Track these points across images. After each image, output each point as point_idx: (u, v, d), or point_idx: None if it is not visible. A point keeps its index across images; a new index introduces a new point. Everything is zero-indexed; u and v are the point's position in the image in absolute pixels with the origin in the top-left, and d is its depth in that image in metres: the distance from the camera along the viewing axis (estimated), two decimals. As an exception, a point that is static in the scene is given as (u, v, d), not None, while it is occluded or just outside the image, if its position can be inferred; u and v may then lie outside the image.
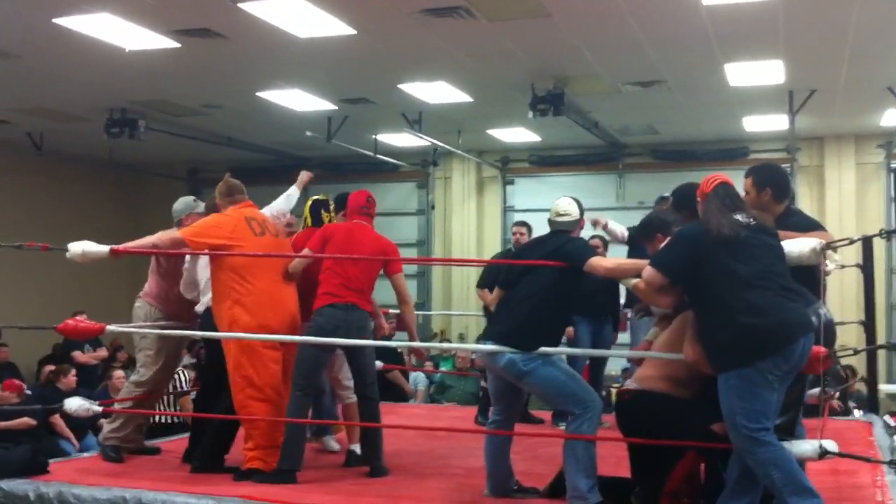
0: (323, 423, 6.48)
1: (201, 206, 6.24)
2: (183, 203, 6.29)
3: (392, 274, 6.02)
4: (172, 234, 5.66)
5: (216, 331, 5.61)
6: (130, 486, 5.16)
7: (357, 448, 6.03)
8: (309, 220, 6.44)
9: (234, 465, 5.71)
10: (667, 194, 7.22)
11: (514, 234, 8.25)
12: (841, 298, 12.92)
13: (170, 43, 9.79)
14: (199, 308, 6.01)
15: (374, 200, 6.22)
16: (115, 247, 5.51)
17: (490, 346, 4.95)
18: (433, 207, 17.24)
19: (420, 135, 13.79)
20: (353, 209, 6.11)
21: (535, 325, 4.93)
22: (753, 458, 4.23)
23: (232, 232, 5.66)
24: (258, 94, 12.19)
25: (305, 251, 5.92)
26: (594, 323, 7.69)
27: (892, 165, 15.05)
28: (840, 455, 4.58)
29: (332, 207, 6.49)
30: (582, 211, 5.30)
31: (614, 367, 12.68)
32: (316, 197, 6.61)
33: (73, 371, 10.18)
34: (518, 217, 16.01)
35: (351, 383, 6.11)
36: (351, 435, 6.12)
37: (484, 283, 8.35)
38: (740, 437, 4.23)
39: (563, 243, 5.05)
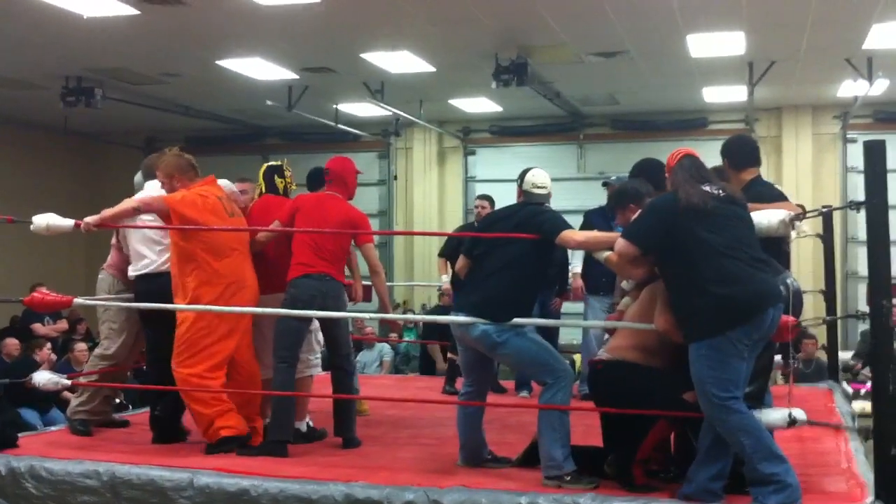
0: (304, 395, 6.26)
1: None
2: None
3: (361, 244, 6.02)
4: (159, 198, 5.57)
5: (153, 300, 5.55)
6: (103, 459, 5.12)
7: (303, 425, 5.96)
8: (263, 187, 6.29)
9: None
10: (613, 177, 7.32)
11: (476, 207, 8.26)
12: (798, 268, 13.12)
13: (129, 10, 9.61)
14: (131, 274, 5.88)
15: (356, 174, 6.13)
16: (89, 220, 5.41)
17: (463, 318, 4.96)
18: (395, 178, 17.19)
19: (382, 105, 13.72)
20: (335, 177, 5.99)
21: (508, 296, 4.94)
22: (723, 425, 4.29)
23: (211, 211, 5.60)
24: (218, 62, 12.02)
25: (275, 224, 5.87)
26: (543, 295, 7.58)
27: (848, 136, 15.27)
28: (810, 423, 4.67)
29: (287, 174, 6.33)
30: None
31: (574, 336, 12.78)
32: (270, 163, 6.42)
33: (48, 345, 10.09)
34: (479, 187, 16.09)
35: (310, 356, 6.05)
36: (300, 411, 5.99)
37: (445, 252, 8.40)
38: (710, 405, 4.29)
39: (535, 214, 5.05)
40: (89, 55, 11.62)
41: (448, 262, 8.25)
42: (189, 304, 5.47)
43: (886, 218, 4.24)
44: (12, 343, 10.34)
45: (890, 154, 13.84)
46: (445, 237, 8.91)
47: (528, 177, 5.26)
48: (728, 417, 4.27)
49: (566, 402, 4.90)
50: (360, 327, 12.91)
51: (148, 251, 5.78)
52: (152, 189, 5.87)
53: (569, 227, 4.99)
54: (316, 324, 6.02)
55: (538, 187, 5.23)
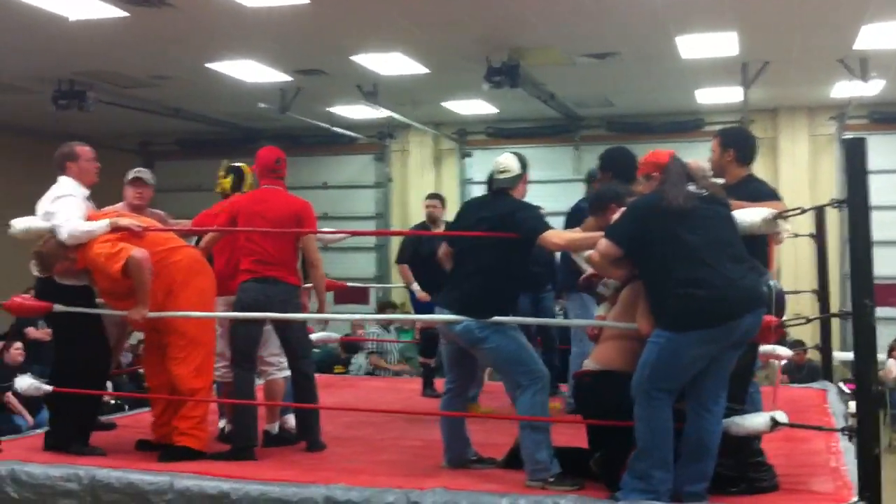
0: (262, 404, 6.09)
1: (128, 174, 6.07)
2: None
3: (303, 235, 5.78)
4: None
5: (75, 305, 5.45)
6: (84, 464, 5.08)
7: (273, 429, 5.90)
8: (227, 186, 6.21)
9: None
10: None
11: (427, 207, 8.22)
12: (796, 268, 13.12)
13: (117, 12, 9.56)
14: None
15: (285, 160, 5.87)
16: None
17: (447, 316, 4.92)
18: (390, 180, 17.16)
19: (376, 106, 13.68)
20: (264, 171, 5.79)
21: (489, 293, 4.92)
22: (638, 410, 4.30)
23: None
24: (208, 64, 11.97)
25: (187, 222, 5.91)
26: (535, 294, 7.43)
27: (844, 137, 15.22)
28: (791, 425, 4.63)
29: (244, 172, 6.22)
30: (524, 165, 5.16)
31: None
32: (235, 164, 6.34)
33: (18, 345, 10.01)
34: (476, 189, 16.06)
35: (275, 359, 5.96)
36: (269, 414, 5.93)
37: (403, 258, 8.32)
38: (637, 387, 4.30)
39: (514, 211, 4.96)
40: (79, 58, 11.59)
41: (408, 268, 8.17)
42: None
43: (867, 216, 4.21)
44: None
45: (886, 154, 13.83)
46: (400, 244, 8.65)
47: (493, 164, 5.17)
48: (646, 405, 4.28)
49: (545, 403, 4.89)
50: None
51: None
52: (68, 188, 5.64)
53: (549, 227, 4.93)
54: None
55: (501, 172, 5.12)
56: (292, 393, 5.89)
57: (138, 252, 5.25)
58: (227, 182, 6.24)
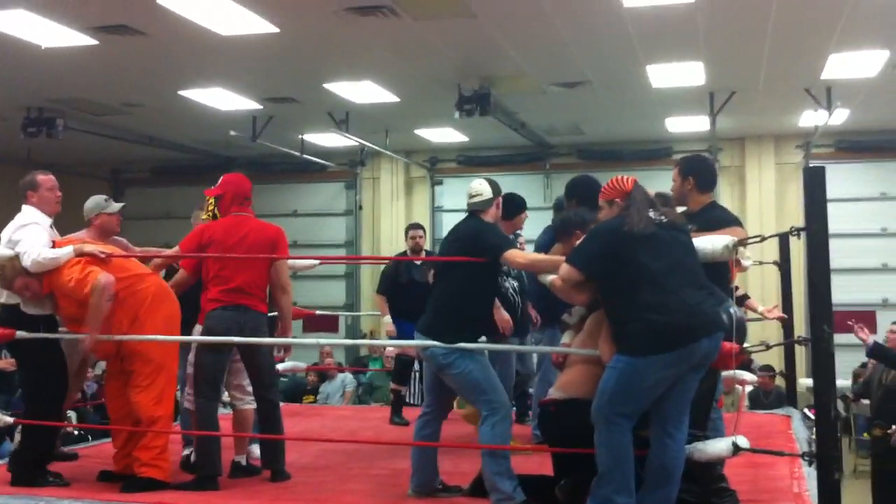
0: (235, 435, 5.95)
1: (114, 206, 6.04)
2: (93, 202, 6.07)
3: (276, 261, 5.69)
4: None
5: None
6: (45, 495, 5.02)
7: (242, 459, 5.82)
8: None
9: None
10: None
11: (413, 237, 8.26)
12: (762, 295, 13.20)
13: (88, 40, 9.59)
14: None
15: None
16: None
17: (412, 342, 4.95)
18: (361, 208, 17.18)
19: (347, 135, 13.73)
20: (236, 198, 5.75)
21: (454, 317, 4.95)
22: (598, 436, 4.31)
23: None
24: (180, 92, 11.99)
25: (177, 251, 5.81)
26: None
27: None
28: (753, 451, 4.66)
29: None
30: (497, 191, 5.22)
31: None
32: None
33: None
34: (447, 217, 16.11)
35: (248, 388, 5.86)
36: (238, 445, 5.85)
37: (382, 289, 8.32)
38: (597, 413, 4.31)
39: (477, 234, 5.02)
40: (50, 86, 11.58)
41: (385, 300, 8.16)
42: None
43: (826, 243, 4.27)
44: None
45: (851, 182, 14.01)
46: (380, 274, 8.63)
47: (467, 189, 5.24)
48: (605, 430, 4.29)
49: (506, 432, 4.89)
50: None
51: None
52: (32, 216, 5.59)
53: (512, 246, 4.97)
54: None
55: (472, 196, 5.19)
56: (258, 422, 5.84)
57: (104, 277, 5.24)
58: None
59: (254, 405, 5.88)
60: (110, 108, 12.92)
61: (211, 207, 6.07)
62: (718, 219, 4.98)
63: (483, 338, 5.18)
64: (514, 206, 6.38)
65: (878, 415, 7.20)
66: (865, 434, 9.80)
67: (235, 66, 10.88)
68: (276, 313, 5.86)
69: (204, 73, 11.18)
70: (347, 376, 12.34)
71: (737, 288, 6.45)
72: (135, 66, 10.73)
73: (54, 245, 5.51)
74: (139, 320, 5.44)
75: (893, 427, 6.80)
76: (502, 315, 6.32)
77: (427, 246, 16.62)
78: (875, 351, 7.03)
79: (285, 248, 5.78)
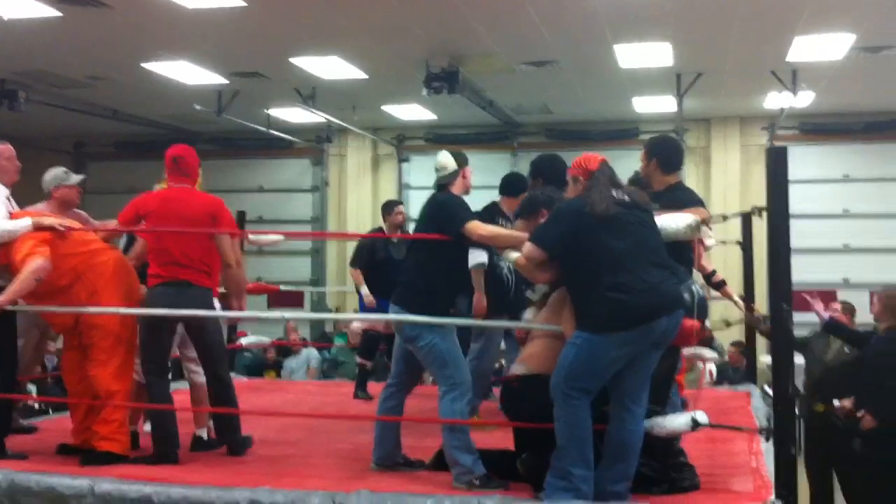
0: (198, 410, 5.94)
1: (74, 178, 5.96)
2: (52, 174, 5.99)
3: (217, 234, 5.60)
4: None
5: None
6: (3, 468, 4.96)
7: (203, 433, 5.83)
8: None
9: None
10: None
11: (398, 213, 8.24)
12: (726, 274, 13.29)
13: (50, 11, 9.44)
14: None
15: (187, 158, 5.65)
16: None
17: (379, 315, 4.97)
18: (327, 184, 17.09)
19: (314, 110, 13.64)
20: (167, 170, 5.65)
21: (422, 289, 4.99)
22: (556, 410, 4.35)
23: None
24: (144, 65, 11.83)
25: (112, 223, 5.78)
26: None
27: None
28: (712, 426, 4.72)
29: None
30: (462, 161, 5.20)
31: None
32: None
33: None
34: (414, 195, 16.08)
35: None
36: (198, 418, 5.85)
37: (357, 262, 8.32)
38: (556, 387, 4.35)
39: (440, 208, 5.06)
40: (12, 57, 11.37)
41: (359, 273, 8.17)
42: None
43: (787, 223, 4.33)
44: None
45: (815, 164, 14.11)
46: (355, 248, 8.63)
47: (434, 163, 5.25)
48: (564, 404, 4.33)
49: (464, 409, 4.92)
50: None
51: None
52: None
53: (474, 219, 5.00)
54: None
55: (438, 170, 5.21)
56: (211, 399, 5.77)
57: (42, 260, 5.18)
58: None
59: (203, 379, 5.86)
60: (73, 81, 12.73)
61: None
62: (681, 199, 5.02)
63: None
64: (522, 185, 6.31)
65: (816, 390, 7.28)
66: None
67: (201, 40, 10.74)
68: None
69: (169, 46, 11.03)
70: (312, 351, 12.33)
71: (714, 272, 6.56)
72: (99, 38, 10.58)
73: (11, 217, 5.44)
74: (97, 294, 5.40)
75: (836, 403, 6.87)
76: (480, 299, 6.14)
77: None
78: (830, 326, 7.11)
79: (226, 220, 5.63)
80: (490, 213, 6.17)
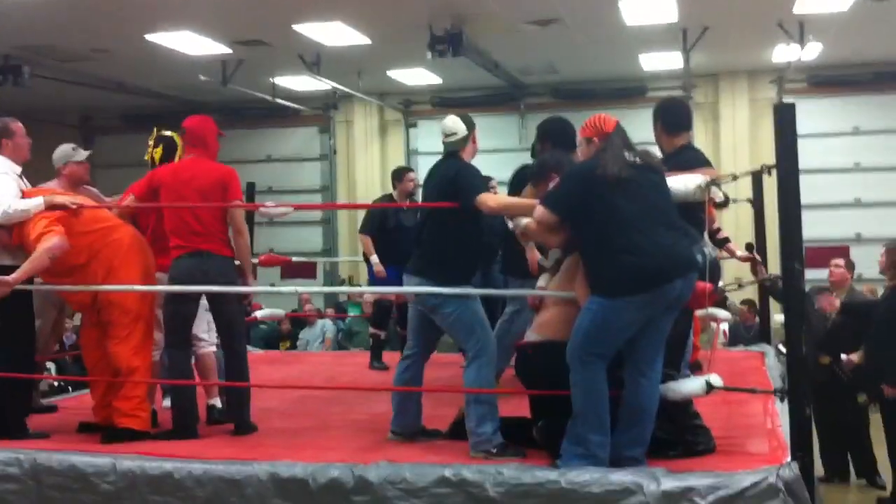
0: (198, 383, 5.88)
1: (81, 153, 5.96)
2: (61, 151, 5.98)
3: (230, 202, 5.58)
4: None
5: None
6: (25, 447, 5.01)
7: (217, 402, 5.85)
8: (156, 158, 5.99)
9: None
10: None
11: (409, 180, 8.18)
12: (736, 233, 13.28)
13: (52, -15, 9.39)
14: None
15: (204, 129, 5.62)
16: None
17: (397, 288, 4.95)
18: (335, 152, 17.04)
19: (319, 77, 13.57)
20: (190, 140, 5.62)
21: (445, 259, 4.96)
22: (573, 376, 4.36)
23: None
24: (147, 36, 11.77)
25: (130, 199, 5.71)
26: (485, 267, 7.10)
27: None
28: (726, 389, 4.72)
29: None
30: (471, 125, 5.15)
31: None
32: (166, 133, 6.07)
33: None
34: (422, 160, 16.02)
35: (206, 335, 5.89)
36: (209, 389, 5.88)
37: (367, 229, 8.28)
38: (572, 353, 4.36)
39: (454, 175, 4.99)
40: (15, 32, 11.33)
41: (369, 239, 8.12)
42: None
43: (797, 181, 4.28)
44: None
45: (823, 117, 13.99)
46: (365, 214, 8.60)
47: (441, 128, 5.19)
48: (580, 370, 4.34)
49: (491, 376, 4.93)
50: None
51: None
52: (1, 166, 5.52)
53: (486, 189, 4.96)
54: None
55: (447, 135, 5.14)
56: (224, 372, 5.80)
57: (58, 238, 5.18)
58: (158, 152, 6.01)
59: (212, 348, 5.91)
60: (78, 55, 12.69)
61: (153, 150, 6.01)
62: (689, 160, 4.98)
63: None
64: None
65: (820, 343, 7.29)
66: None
67: (202, 9, 10.67)
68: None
69: (170, 16, 10.95)
70: (327, 322, 12.37)
71: (719, 230, 6.53)
72: (101, 10, 10.53)
73: (23, 195, 5.45)
74: (114, 270, 5.41)
75: (843, 357, 6.87)
76: (534, 254, 6.02)
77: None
78: (847, 306, 7.14)
79: (237, 189, 5.62)
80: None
